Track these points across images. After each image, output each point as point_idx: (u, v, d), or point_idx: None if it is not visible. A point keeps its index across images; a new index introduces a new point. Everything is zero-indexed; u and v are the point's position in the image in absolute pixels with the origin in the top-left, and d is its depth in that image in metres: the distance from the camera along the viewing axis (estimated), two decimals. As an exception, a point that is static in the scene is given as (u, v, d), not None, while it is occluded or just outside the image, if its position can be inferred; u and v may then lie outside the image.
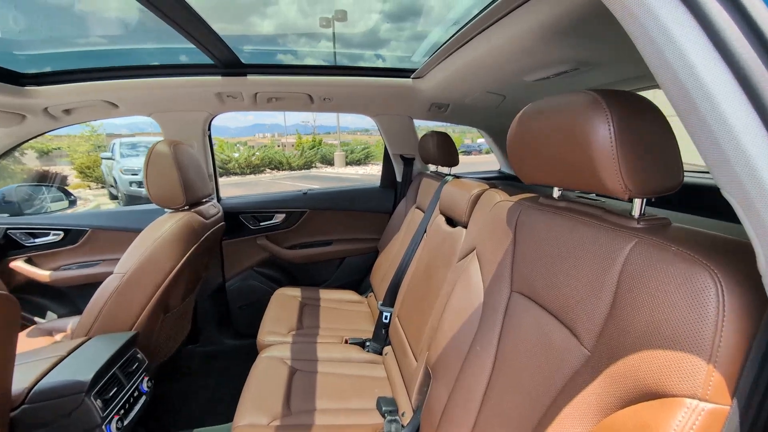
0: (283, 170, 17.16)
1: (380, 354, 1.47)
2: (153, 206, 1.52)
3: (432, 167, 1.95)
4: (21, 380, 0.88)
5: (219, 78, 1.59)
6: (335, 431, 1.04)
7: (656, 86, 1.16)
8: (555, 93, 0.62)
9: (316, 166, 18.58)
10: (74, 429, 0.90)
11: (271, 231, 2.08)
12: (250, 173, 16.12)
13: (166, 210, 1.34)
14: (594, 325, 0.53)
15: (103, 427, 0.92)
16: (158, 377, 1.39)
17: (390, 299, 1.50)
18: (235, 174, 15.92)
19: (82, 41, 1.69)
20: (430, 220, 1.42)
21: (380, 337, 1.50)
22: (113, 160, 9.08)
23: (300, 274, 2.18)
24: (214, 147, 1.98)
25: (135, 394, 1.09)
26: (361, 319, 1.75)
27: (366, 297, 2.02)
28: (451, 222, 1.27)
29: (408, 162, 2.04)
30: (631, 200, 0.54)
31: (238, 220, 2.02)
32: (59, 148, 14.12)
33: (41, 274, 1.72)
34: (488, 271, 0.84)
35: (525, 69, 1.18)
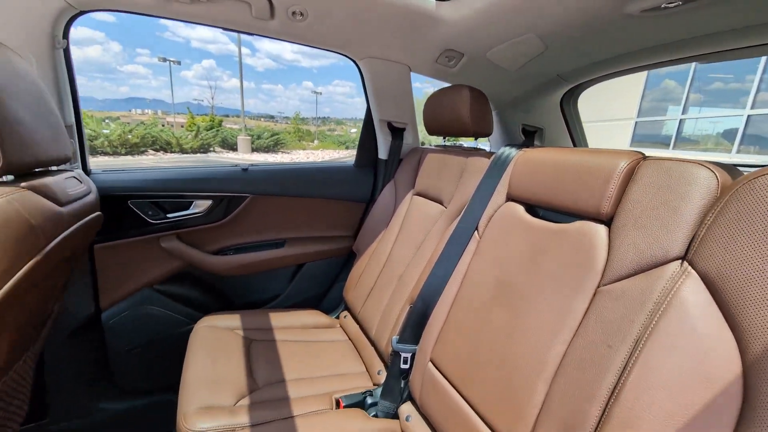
0: (171, 152, 14.49)
1: (393, 417, 0.94)
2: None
3: (431, 140, 1.46)
4: None
5: None
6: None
7: None
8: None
9: (215, 151, 16.22)
10: None
11: (187, 227, 1.32)
12: (126, 154, 13.15)
13: None
14: None
15: None
16: None
17: (412, 332, 0.97)
18: (105, 154, 12.82)
19: None
20: (484, 210, 0.92)
21: (395, 391, 0.97)
22: None
23: (233, 291, 1.46)
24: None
25: None
26: (344, 357, 1.18)
27: (337, 317, 1.44)
28: (536, 212, 0.81)
29: (397, 133, 1.50)
30: None
31: (125, 209, 1.21)
32: None
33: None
34: (747, 321, 0.42)
35: None
